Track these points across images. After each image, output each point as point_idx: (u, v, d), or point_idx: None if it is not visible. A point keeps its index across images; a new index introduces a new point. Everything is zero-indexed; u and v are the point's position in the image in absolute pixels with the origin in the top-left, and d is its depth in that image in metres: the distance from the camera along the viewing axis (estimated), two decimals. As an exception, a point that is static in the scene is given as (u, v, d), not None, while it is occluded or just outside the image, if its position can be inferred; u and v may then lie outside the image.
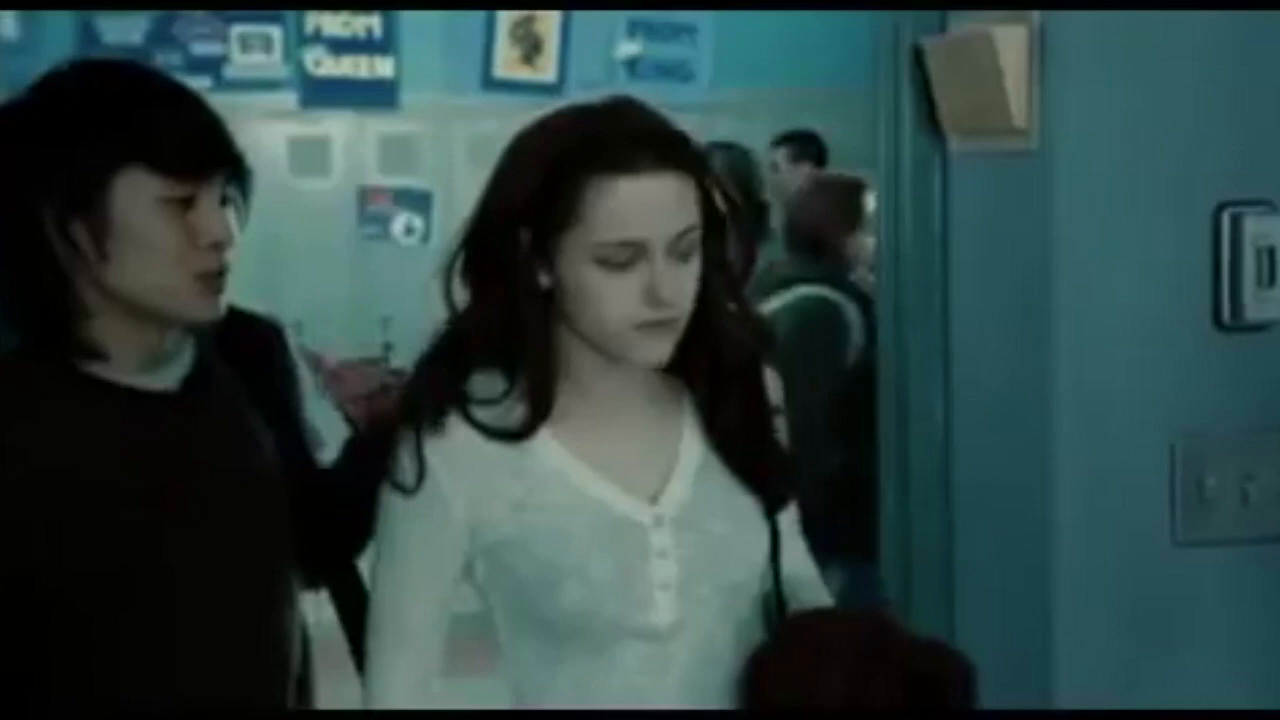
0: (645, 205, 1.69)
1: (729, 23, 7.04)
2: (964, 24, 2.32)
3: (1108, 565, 2.19)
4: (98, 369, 1.80)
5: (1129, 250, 2.19)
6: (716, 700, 1.81)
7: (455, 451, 1.77)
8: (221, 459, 1.88)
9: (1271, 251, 2.19)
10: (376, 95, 6.92)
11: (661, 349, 1.75)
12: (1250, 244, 2.19)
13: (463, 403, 1.77)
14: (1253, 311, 2.20)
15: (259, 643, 1.90)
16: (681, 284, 1.72)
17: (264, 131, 6.88)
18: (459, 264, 1.77)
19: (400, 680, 1.81)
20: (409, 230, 7.18)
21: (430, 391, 1.78)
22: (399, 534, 1.81)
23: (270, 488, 1.91)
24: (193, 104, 1.82)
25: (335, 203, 7.25)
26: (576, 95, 6.67)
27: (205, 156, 1.79)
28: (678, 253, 1.71)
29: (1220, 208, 2.20)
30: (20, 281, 1.78)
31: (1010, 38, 2.18)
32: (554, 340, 1.77)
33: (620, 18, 7.15)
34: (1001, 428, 2.32)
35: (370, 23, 6.93)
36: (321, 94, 6.87)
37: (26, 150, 1.76)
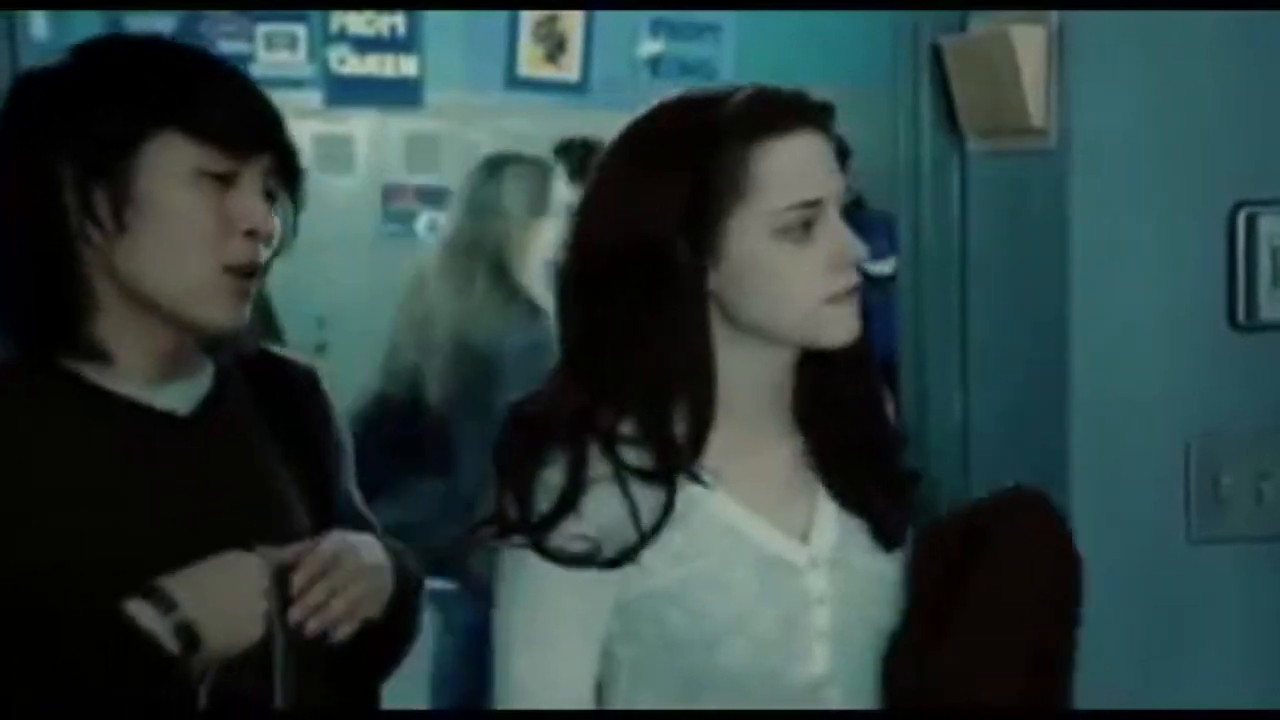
0: (812, 161, 1.59)
1: (752, 22, 7.06)
2: (983, 24, 2.34)
3: (1123, 563, 2.19)
4: (101, 377, 1.60)
5: (1145, 249, 2.21)
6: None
7: (601, 496, 1.58)
8: (228, 502, 1.66)
9: (1288, 250, 2.21)
10: (400, 94, 6.94)
11: (853, 322, 1.61)
12: (1266, 243, 2.20)
13: (610, 443, 1.58)
14: (1268, 311, 2.21)
15: None
16: (859, 247, 1.61)
17: (291, 129, 6.98)
18: (583, 293, 1.61)
19: None
20: (432, 227, 7.09)
21: (570, 430, 1.58)
22: (545, 596, 1.59)
23: (292, 492, 1.74)
24: (244, 79, 1.67)
25: (359, 200, 7.26)
26: (599, 94, 6.75)
27: (254, 130, 1.63)
28: (842, 212, 1.61)
29: (1237, 207, 2.21)
30: (26, 260, 1.58)
31: (1028, 37, 2.20)
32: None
33: (643, 17, 7.19)
34: (1018, 425, 2.33)
35: (394, 21, 6.97)
36: (346, 92, 6.89)
37: (53, 109, 1.59)
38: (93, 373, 1.60)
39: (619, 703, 1.64)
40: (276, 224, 1.67)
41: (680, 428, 1.58)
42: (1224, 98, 2.21)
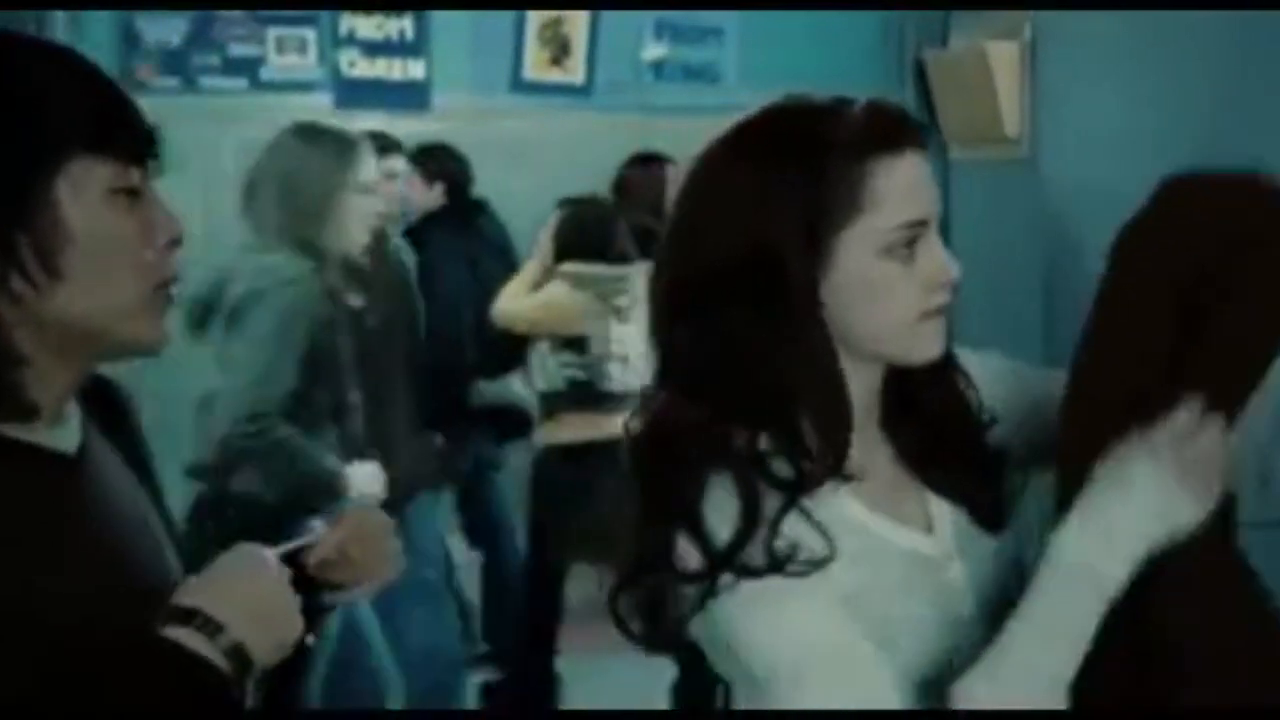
0: (921, 181, 1.60)
1: (754, 26, 7.14)
2: (963, 40, 2.48)
3: None
4: (9, 430, 1.43)
5: (1113, 249, 2.35)
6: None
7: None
8: (125, 503, 1.56)
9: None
10: (408, 96, 6.99)
11: (942, 339, 1.64)
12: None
13: (755, 459, 1.56)
14: (1230, 310, 2.34)
15: None
16: (955, 267, 1.61)
17: None
18: (696, 306, 1.58)
19: None
20: None
21: (716, 449, 1.55)
22: (799, 611, 1.53)
23: (155, 516, 1.63)
24: (100, 71, 1.49)
25: None
26: (603, 97, 6.85)
27: (146, 134, 1.48)
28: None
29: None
30: None
31: (1002, 53, 2.34)
32: None
33: (647, 20, 7.22)
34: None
35: (403, 25, 7.02)
36: (355, 95, 6.93)
37: None
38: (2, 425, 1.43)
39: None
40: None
41: (814, 439, 1.57)
42: (1184, 108, 2.35)
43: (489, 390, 5.87)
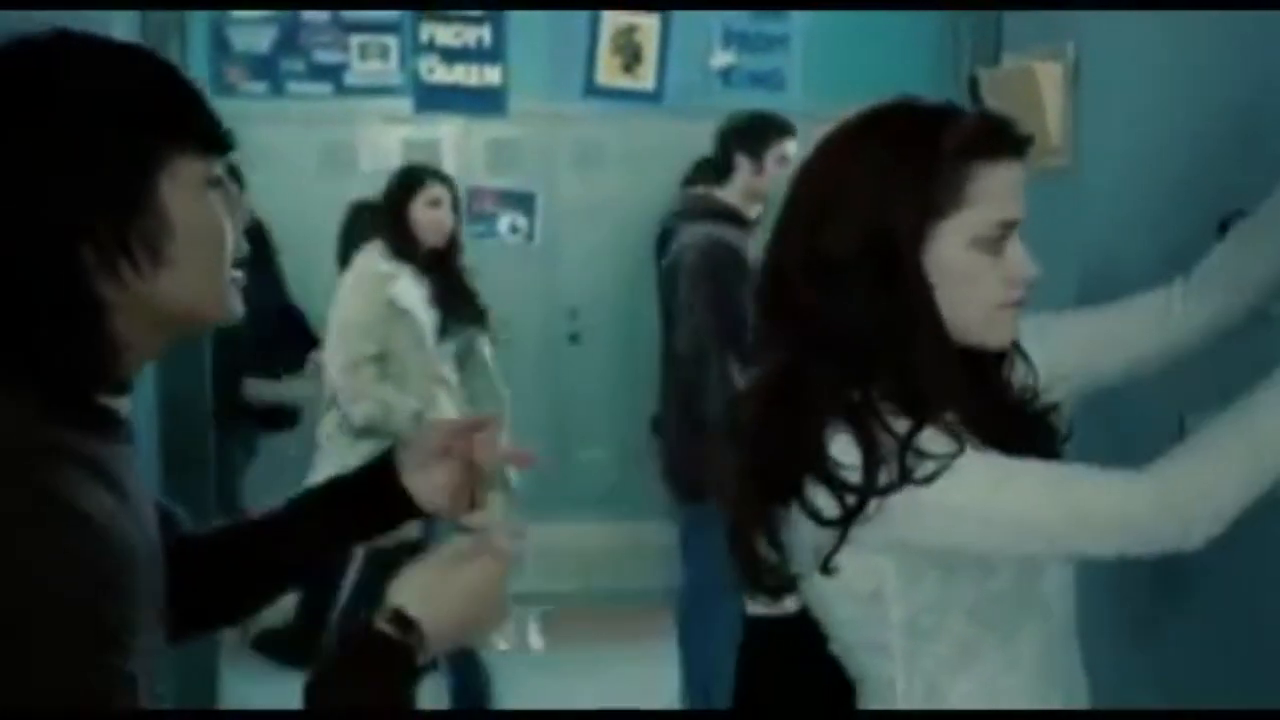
0: (1015, 187, 1.82)
1: (819, 35, 7.31)
2: (1013, 59, 2.71)
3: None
4: (107, 401, 1.51)
5: (1148, 253, 2.55)
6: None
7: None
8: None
9: (1270, 257, 2.56)
10: (485, 101, 7.08)
11: (1016, 327, 1.86)
12: (1250, 249, 2.55)
13: (876, 411, 1.76)
14: (1252, 308, 2.55)
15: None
16: (1034, 267, 1.83)
17: (380, 134, 7.31)
18: (827, 279, 1.76)
19: None
20: (514, 229, 7.39)
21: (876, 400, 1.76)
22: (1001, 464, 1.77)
23: None
24: (180, 71, 1.57)
25: None
26: (673, 102, 7.03)
27: (225, 130, 1.56)
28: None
29: (1227, 219, 2.55)
30: (58, 318, 1.44)
31: (1049, 73, 2.57)
32: None
33: (715, 29, 7.38)
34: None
35: (481, 33, 7.13)
36: (434, 99, 7.03)
37: (54, 158, 1.43)
38: (104, 398, 1.51)
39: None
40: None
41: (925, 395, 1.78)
42: (1215, 126, 2.54)
43: (264, 388, 6.00)
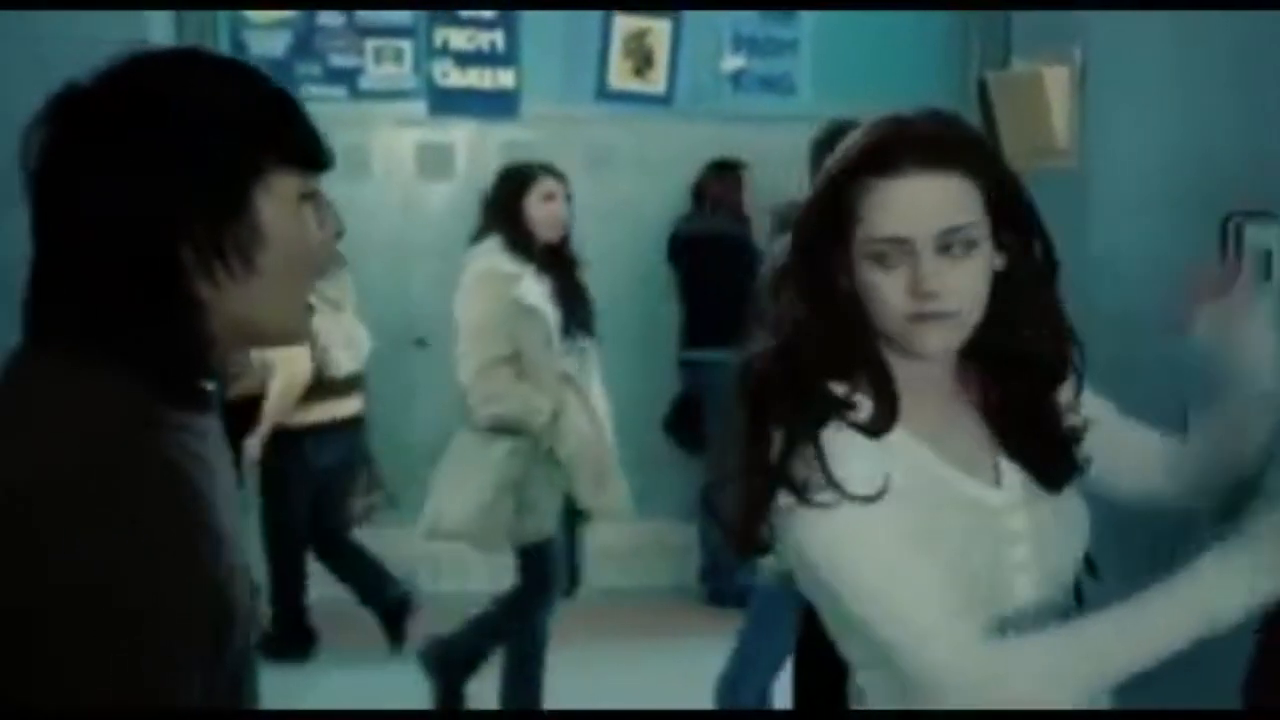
0: (908, 204, 1.74)
1: (829, 39, 7.37)
2: (1021, 64, 2.79)
3: (1126, 507, 2.56)
4: (200, 385, 1.59)
5: (1151, 249, 2.65)
6: None
7: (846, 453, 1.77)
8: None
9: (1269, 254, 2.65)
10: (499, 104, 7.20)
11: (935, 340, 1.78)
12: (1250, 248, 2.64)
13: (839, 408, 1.79)
14: (1253, 302, 2.65)
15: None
16: (949, 279, 1.75)
17: (395, 137, 7.33)
18: (782, 279, 1.84)
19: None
20: None
21: (809, 399, 1.79)
22: (880, 537, 1.75)
23: None
24: (287, 90, 1.62)
25: (459, 205, 7.28)
26: (684, 106, 7.08)
27: (326, 148, 1.63)
28: (946, 249, 1.75)
29: (1227, 218, 2.65)
30: (155, 311, 1.52)
31: (1055, 77, 2.65)
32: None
33: (726, 33, 7.45)
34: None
35: (494, 37, 7.20)
36: (448, 103, 7.14)
37: (160, 164, 1.50)
38: (199, 383, 1.59)
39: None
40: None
41: (870, 399, 1.81)
42: (1217, 129, 2.64)
43: None
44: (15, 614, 1.38)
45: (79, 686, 1.38)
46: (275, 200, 1.54)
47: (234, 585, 1.48)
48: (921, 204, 1.75)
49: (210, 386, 1.60)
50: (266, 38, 7.00)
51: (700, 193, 7.08)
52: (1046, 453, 1.87)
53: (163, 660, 1.40)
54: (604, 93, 7.24)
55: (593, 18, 7.12)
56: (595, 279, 7.76)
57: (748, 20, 7.45)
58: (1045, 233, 1.89)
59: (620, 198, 7.58)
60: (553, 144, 7.56)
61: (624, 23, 7.23)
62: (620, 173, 7.63)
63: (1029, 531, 1.84)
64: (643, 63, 7.30)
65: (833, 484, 1.73)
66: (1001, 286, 1.81)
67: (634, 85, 7.27)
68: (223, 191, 1.51)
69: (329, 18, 7.13)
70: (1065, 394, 1.93)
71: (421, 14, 7.14)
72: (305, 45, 7.12)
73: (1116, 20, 2.63)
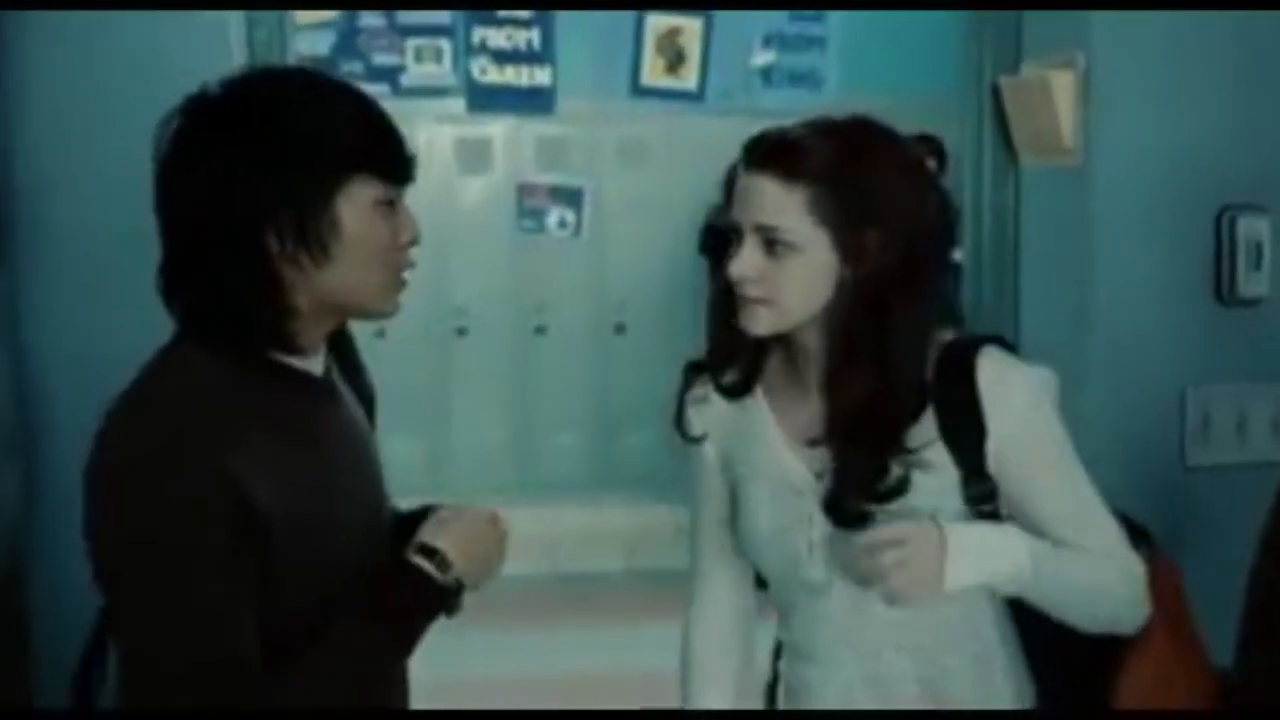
0: (741, 196, 1.88)
1: (855, 35, 7.50)
2: (1031, 68, 2.99)
3: (1132, 485, 2.65)
4: (282, 357, 1.81)
5: (1151, 241, 2.84)
6: (868, 650, 1.94)
7: (709, 410, 2.03)
8: (361, 421, 1.96)
9: (1259, 244, 2.84)
10: (535, 101, 7.37)
11: (747, 320, 1.90)
12: (1244, 238, 2.85)
13: (714, 371, 2.02)
14: (1245, 289, 2.86)
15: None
16: (754, 268, 1.87)
17: (435, 133, 7.44)
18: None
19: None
20: (562, 224, 7.64)
21: (694, 364, 2.05)
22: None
23: (376, 447, 2.00)
24: (385, 113, 1.84)
25: (496, 198, 7.69)
26: (714, 101, 7.19)
27: (410, 164, 1.84)
28: (764, 243, 1.86)
29: (1222, 210, 2.85)
30: (238, 286, 1.75)
31: (1061, 80, 2.84)
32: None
33: (756, 31, 7.55)
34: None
35: (530, 36, 7.32)
36: (486, 100, 7.33)
37: (256, 164, 1.73)
38: (277, 353, 1.81)
39: None
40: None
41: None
42: (1213, 127, 2.83)
43: None
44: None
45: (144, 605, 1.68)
46: (354, 204, 1.77)
47: (298, 533, 1.72)
48: (748, 198, 1.87)
49: (305, 366, 1.83)
50: (310, 38, 7.12)
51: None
52: (875, 457, 1.87)
53: (198, 587, 1.66)
54: (637, 89, 7.39)
55: (626, 17, 7.23)
56: (628, 268, 7.95)
57: (778, 17, 7.55)
58: (923, 257, 1.86)
59: (653, 190, 7.71)
60: (587, 139, 7.73)
61: (657, 21, 7.37)
62: (653, 166, 7.76)
63: (818, 510, 1.92)
64: (675, 60, 7.42)
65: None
66: (857, 296, 1.85)
67: (666, 82, 7.41)
68: (307, 192, 1.74)
69: (371, 18, 7.29)
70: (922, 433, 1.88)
71: (460, 14, 7.30)
72: (349, 45, 7.29)
73: (1118, 28, 2.81)
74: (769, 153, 1.86)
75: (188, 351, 1.77)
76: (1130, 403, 2.84)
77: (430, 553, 1.82)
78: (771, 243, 1.85)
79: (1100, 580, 1.89)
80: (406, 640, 1.82)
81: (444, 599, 1.82)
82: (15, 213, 2.68)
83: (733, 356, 2.00)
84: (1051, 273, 2.98)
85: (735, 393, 2.00)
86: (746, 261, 1.87)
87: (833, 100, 7.37)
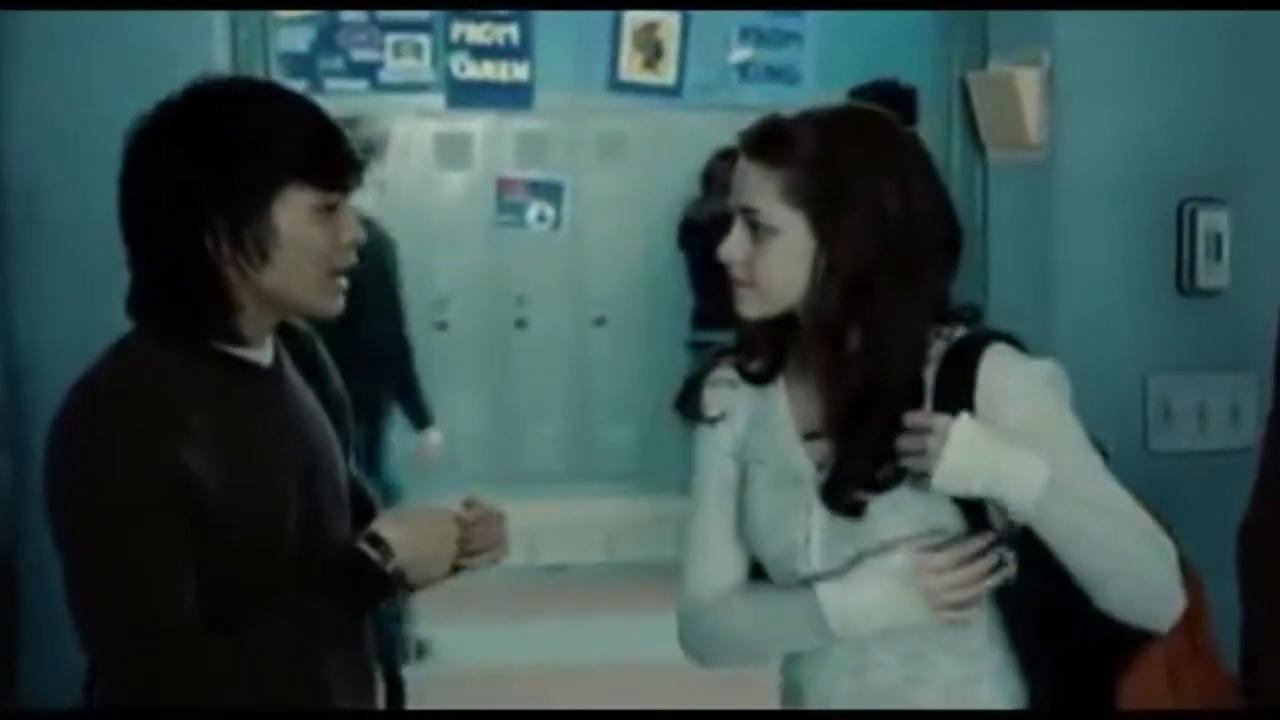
0: (735, 180, 1.92)
1: (831, 31, 7.57)
2: (997, 65, 3.06)
3: None
4: (226, 347, 1.89)
5: (1113, 233, 2.92)
6: (855, 645, 1.91)
7: (730, 394, 2.03)
8: (311, 409, 2.02)
9: (1219, 236, 2.92)
10: (514, 96, 7.25)
11: (739, 304, 1.94)
12: (1203, 230, 2.92)
13: (741, 357, 2.02)
14: (1204, 281, 2.94)
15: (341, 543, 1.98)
16: (739, 250, 1.91)
17: (414, 128, 7.51)
18: None
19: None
20: (541, 218, 7.50)
21: (721, 350, 2.05)
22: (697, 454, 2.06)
23: (332, 432, 2.06)
24: (329, 120, 1.91)
25: (476, 193, 7.73)
26: (692, 97, 7.26)
27: (352, 170, 1.91)
28: (753, 227, 1.90)
29: (1182, 203, 2.93)
30: (180, 283, 1.84)
31: (1027, 77, 2.91)
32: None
33: (733, 26, 7.60)
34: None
35: (509, 31, 7.29)
36: (465, 95, 7.20)
37: (195, 171, 1.81)
38: (220, 343, 1.90)
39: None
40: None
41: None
42: (1173, 122, 2.91)
43: None
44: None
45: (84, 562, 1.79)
46: (292, 210, 1.85)
47: (232, 502, 1.81)
48: (738, 182, 1.93)
49: (244, 355, 1.91)
50: (290, 34, 7.12)
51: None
52: (872, 449, 1.87)
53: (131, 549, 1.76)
54: (615, 84, 7.32)
55: (605, 12, 7.28)
56: (607, 262, 8.02)
57: (754, 13, 7.61)
58: (907, 247, 1.87)
59: (632, 185, 7.77)
60: (566, 134, 7.79)
61: (633, 17, 7.39)
62: (632, 161, 7.83)
63: (820, 509, 1.93)
64: (653, 55, 7.41)
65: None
66: (836, 281, 1.86)
67: (644, 77, 7.33)
68: (243, 198, 1.83)
69: (350, 14, 7.26)
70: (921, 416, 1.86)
71: (440, 10, 7.34)
72: (328, 40, 7.28)
73: (1082, 27, 2.89)
74: (758, 139, 1.91)
75: (137, 342, 1.88)
76: (1094, 390, 2.88)
77: (376, 541, 1.88)
78: (754, 225, 1.89)
79: (1135, 554, 1.86)
80: (341, 618, 1.90)
81: (383, 585, 1.89)
82: (6, 211, 2.75)
83: (757, 343, 2.00)
84: (1017, 264, 3.05)
85: (760, 379, 2.01)
86: (733, 244, 1.92)
87: (810, 95, 7.40)
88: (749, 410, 2.03)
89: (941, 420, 1.81)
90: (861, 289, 1.86)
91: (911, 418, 1.83)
